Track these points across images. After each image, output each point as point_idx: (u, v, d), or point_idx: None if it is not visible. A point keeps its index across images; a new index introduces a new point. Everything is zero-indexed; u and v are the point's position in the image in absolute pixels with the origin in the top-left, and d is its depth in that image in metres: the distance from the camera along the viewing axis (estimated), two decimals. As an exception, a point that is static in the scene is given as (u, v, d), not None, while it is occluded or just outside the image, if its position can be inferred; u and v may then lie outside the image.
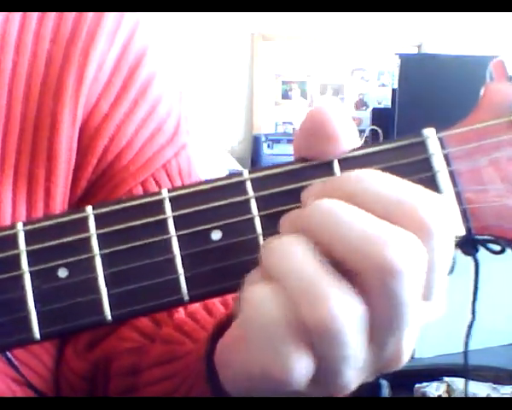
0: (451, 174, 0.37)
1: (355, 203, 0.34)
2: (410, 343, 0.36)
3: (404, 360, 0.36)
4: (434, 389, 2.15)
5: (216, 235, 0.37)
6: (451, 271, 0.37)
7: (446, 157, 0.37)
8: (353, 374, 0.35)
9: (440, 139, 0.37)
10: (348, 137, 0.37)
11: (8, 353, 0.44)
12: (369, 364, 0.35)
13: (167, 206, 0.37)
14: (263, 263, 0.35)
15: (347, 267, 0.34)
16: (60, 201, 0.54)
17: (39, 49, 0.54)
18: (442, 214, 0.34)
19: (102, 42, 0.55)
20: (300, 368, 0.34)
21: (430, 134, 0.37)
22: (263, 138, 2.71)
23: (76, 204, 0.55)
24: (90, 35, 0.55)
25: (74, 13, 0.56)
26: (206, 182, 0.38)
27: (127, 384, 0.53)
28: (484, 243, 0.36)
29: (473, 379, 2.15)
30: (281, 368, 0.34)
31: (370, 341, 0.34)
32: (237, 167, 2.53)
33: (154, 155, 0.57)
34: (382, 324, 0.34)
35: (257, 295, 0.34)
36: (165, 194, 0.38)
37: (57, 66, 0.54)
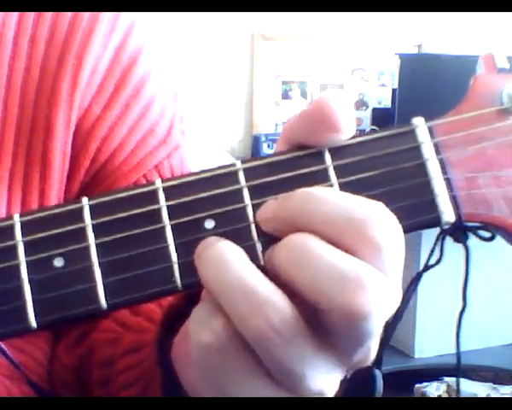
0: (441, 162, 0.37)
1: (305, 227, 0.35)
2: (376, 342, 0.37)
3: (373, 356, 0.37)
4: (434, 389, 2.16)
5: (209, 224, 0.38)
6: (439, 261, 0.38)
7: (436, 145, 0.37)
8: (317, 375, 0.35)
9: (430, 128, 0.38)
10: (350, 130, 0.37)
11: (2, 345, 0.44)
12: (338, 366, 0.36)
13: (161, 196, 0.38)
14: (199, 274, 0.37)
15: (313, 305, 0.34)
16: (54, 203, 0.54)
17: (35, 53, 0.55)
18: (390, 226, 0.35)
19: (96, 45, 0.56)
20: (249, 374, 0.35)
21: (419, 123, 0.38)
22: (263, 138, 2.72)
23: None
24: (85, 39, 0.55)
25: (70, 14, 0.56)
26: (200, 172, 0.38)
27: (104, 375, 0.54)
28: (474, 230, 0.37)
29: (473, 379, 2.15)
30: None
31: (332, 350, 0.35)
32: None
33: (147, 156, 0.57)
34: (347, 348, 0.35)
35: (196, 316, 0.37)
36: (158, 184, 0.38)
37: (52, 70, 0.55)
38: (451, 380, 2.17)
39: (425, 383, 2.19)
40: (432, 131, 0.38)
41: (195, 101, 2.69)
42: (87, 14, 0.56)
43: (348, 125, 0.37)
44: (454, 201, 0.37)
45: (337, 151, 0.38)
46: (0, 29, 0.54)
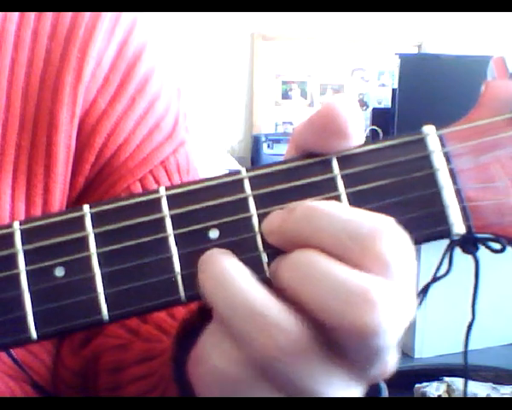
0: (451, 172, 0.36)
1: (310, 241, 0.34)
2: (394, 354, 0.35)
3: (391, 368, 0.36)
4: (434, 389, 2.15)
5: (213, 234, 0.37)
6: (448, 272, 0.37)
7: (446, 155, 0.36)
8: (333, 392, 0.34)
9: (440, 137, 0.37)
10: (359, 137, 0.36)
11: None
12: (355, 381, 0.35)
13: (164, 204, 0.37)
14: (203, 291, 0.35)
15: (324, 324, 0.33)
16: (58, 197, 0.54)
17: (38, 47, 0.54)
18: (398, 240, 0.33)
19: (100, 39, 0.56)
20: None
21: (430, 131, 0.37)
22: (263, 138, 2.71)
23: (75, 201, 0.56)
24: (88, 32, 0.55)
25: (71, 13, 0.56)
26: (204, 180, 0.38)
27: (113, 381, 0.53)
28: (484, 242, 0.36)
29: (473, 379, 2.15)
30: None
31: (348, 366, 0.34)
32: (237, 167, 2.53)
33: (153, 152, 0.57)
34: (362, 364, 0.34)
35: (208, 338, 0.36)
36: (162, 192, 0.37)
37: (55, 63, 0.54)
38: (451, 380, 2.16)
39: (425, 383, 2.18)
40: (442, 139, 0.36)
41: (196, 101, 2.69)
42: (88, 12, 0.56)
43: (357, 132, 0.36)
44: (464, 212, 0.36)
45: (345, 160, 0.37)
46: (2, 23, 0.54)
